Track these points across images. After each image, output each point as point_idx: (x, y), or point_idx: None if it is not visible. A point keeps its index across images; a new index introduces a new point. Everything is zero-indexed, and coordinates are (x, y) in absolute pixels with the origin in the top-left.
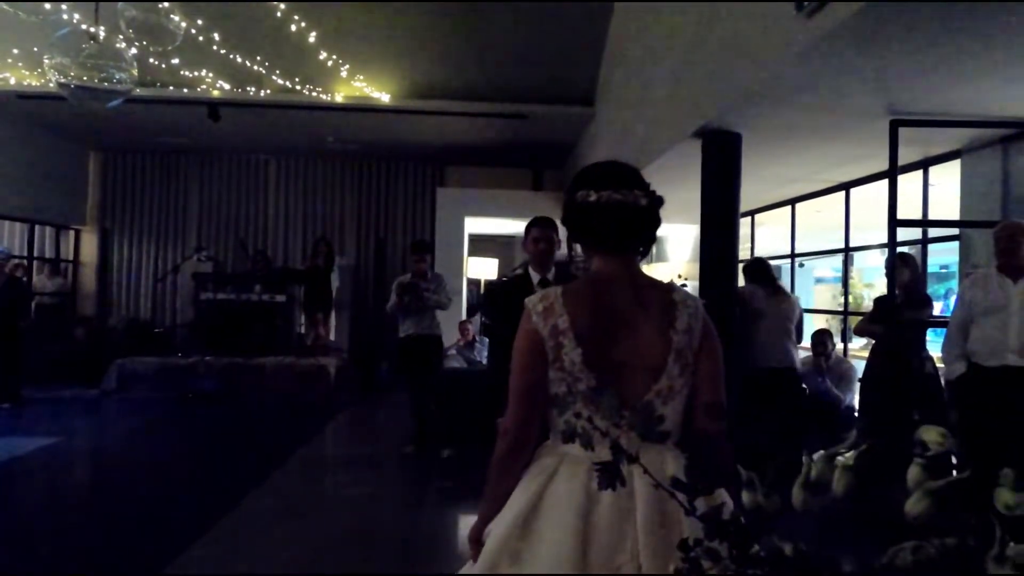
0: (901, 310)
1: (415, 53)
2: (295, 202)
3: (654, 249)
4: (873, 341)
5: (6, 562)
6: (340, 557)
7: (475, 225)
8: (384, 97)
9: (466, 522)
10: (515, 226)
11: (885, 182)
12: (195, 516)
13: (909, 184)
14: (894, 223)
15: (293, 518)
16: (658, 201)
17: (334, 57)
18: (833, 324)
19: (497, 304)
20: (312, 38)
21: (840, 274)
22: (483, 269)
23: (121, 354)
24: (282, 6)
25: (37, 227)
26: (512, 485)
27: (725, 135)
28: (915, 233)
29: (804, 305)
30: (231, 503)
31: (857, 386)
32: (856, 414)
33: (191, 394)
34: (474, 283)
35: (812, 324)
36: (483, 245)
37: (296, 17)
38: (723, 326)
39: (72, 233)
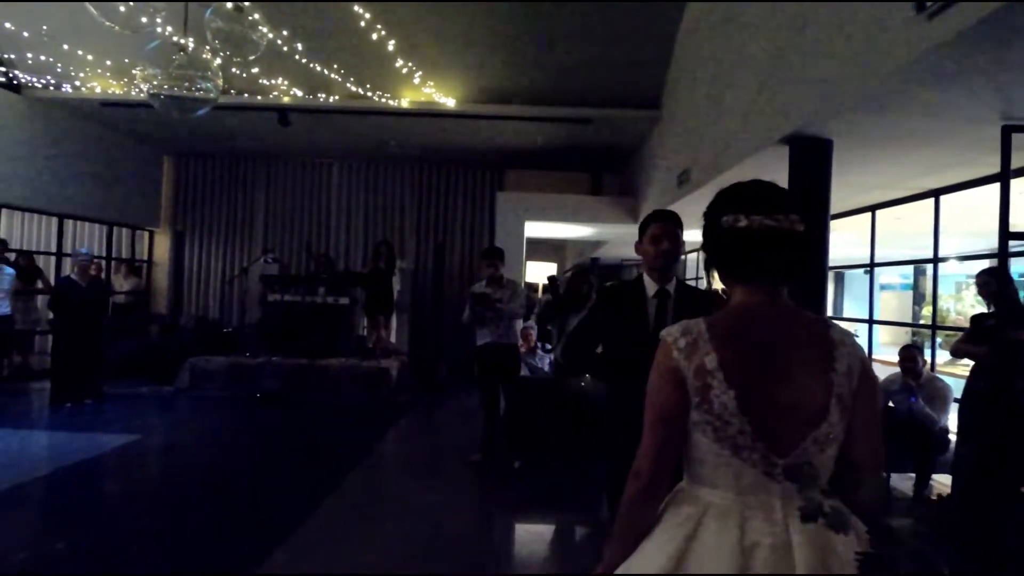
0: (1003, 329)
1: (483, 58)
2: (357, 206)
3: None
4: (972, 361)
5: (99, 553)
6: (419, 566)
7: (528, 229)
8: (450, 102)
9: (539, 535)
10: (571, 230)
11: (971, 190)
12: (276, 520)
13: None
14: (1006, 234)
15: (371, 524)
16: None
17: (407, 63)
18: (896, 334)
19: (608, 309)
20: (387, 45)
21: (910, 281)
22: (542, 273)
23: (192, 353)
24: (364, 14)
25: (115, 229)
26: (644, 530)
27: (815, 141)
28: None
29: (871, 315)
30: (310, 507)
31: (953, 406)
32: (951, 435)
33: (259, 394)
34: (532, 287)
35: (879, 335)
36: (534, 248)
37: (365, 23)
38: None
39: (147, 234)
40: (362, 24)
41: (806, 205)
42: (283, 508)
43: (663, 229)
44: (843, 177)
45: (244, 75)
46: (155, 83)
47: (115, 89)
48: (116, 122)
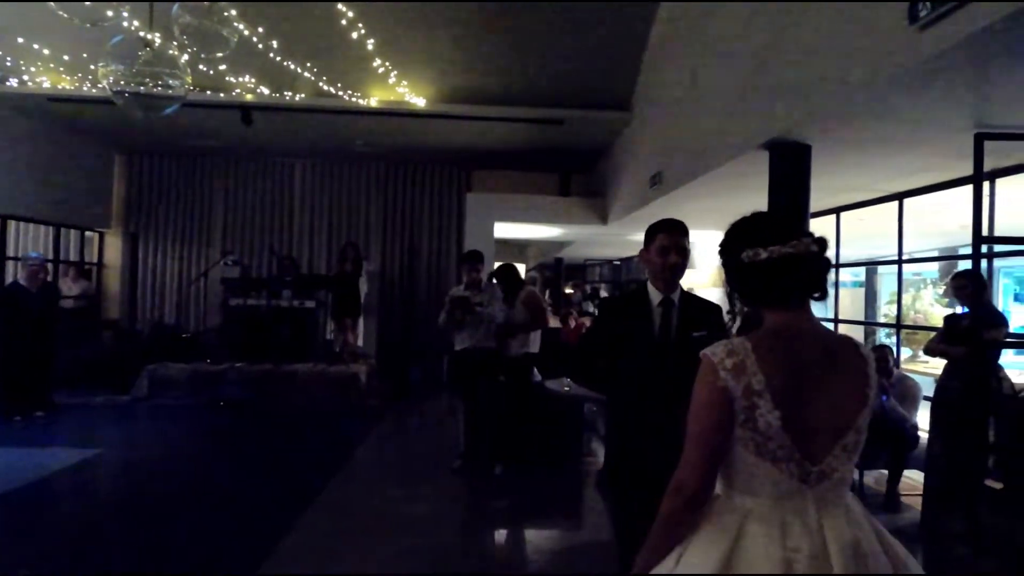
0: (975, 330)
1: (454, 58)
2: (321, 206)
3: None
4: (944, 360)
5: None
6: None
7: (496, 229)
8: (420, 101)
9: (529, 543)
10: (539, 231)
11: (937, 193)
12: (252, 536)
13: (963, 196)
14: (979, 238)
15: (355, 539)
16: (824, 244)
17: (379, 62)
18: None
19: (613, 320)
20: (359, 42)
21: (861, 279)
22: None
23: (149, 359)
24: (335, 10)
25: (62, 230)
26: (679, 540)
27: (794, 146)
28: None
29: (826, 313)
30: (288, 523)
31: (922, 404)
32: (921, 432)
33: (223, 401)
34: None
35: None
36: (500, 249)
37: (344, 22)
38: None
39: (97, 236)
40: (343, 23)
41: (787, 208)
42: (258, 525)
43: (671, 240)
44: (815, 180)
45: (211, 72)
46: (117, 79)
47: (65, 84)
48: (61, 118)
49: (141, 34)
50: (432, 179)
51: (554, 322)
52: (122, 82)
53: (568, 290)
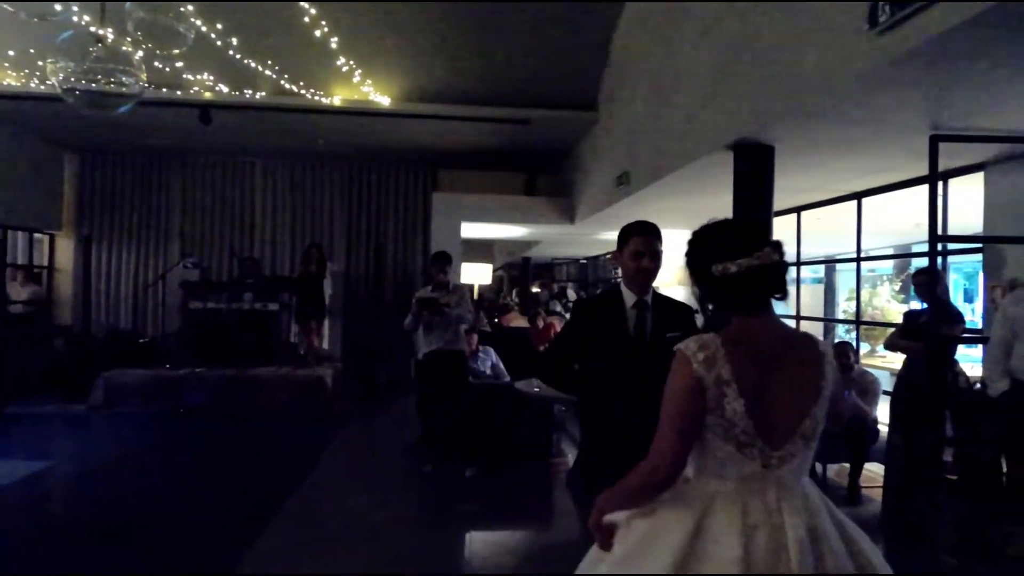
0: (933, 325)
1: (420, 57)
2: (284, 206)
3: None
4: (903, 355)
5: None
6: None
7: (463, 229)
8: (384, 100)
9: (502, 545)
10: (505, 230)
11: (893, 193)
12: (214, 552)
13: (917, 194)
14: (935, 237)
15: (322, 545)
16: (783, 249)
17: (341, 60)
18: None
19: (586, 322)
20: (322, 40)
21: (819, 275)
22: (477, 274)
23: (104, 366)
24: (297, 7)
25: (8, 232)
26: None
27: (758, 147)
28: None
29: (786, 310)
30: (253, 533)
31: (882, 399)
32: (881, 427)
33: (183, 408)
34: (467, 288)
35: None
36: (466, 248)
37: (307, 19)
38: None
39: (46, 238)
40: (306, 19)
41: (751, 208)
42: (220, 539)
43: (645, 244)
44: (777, 181)
45: (167, 69)
46: (68, 76)
47: (11, 80)
48: (10, 117)
49: (92, 30)
50: (398, 179)
51: (522, 322)
52: (73, 79)
53: (535, 289)
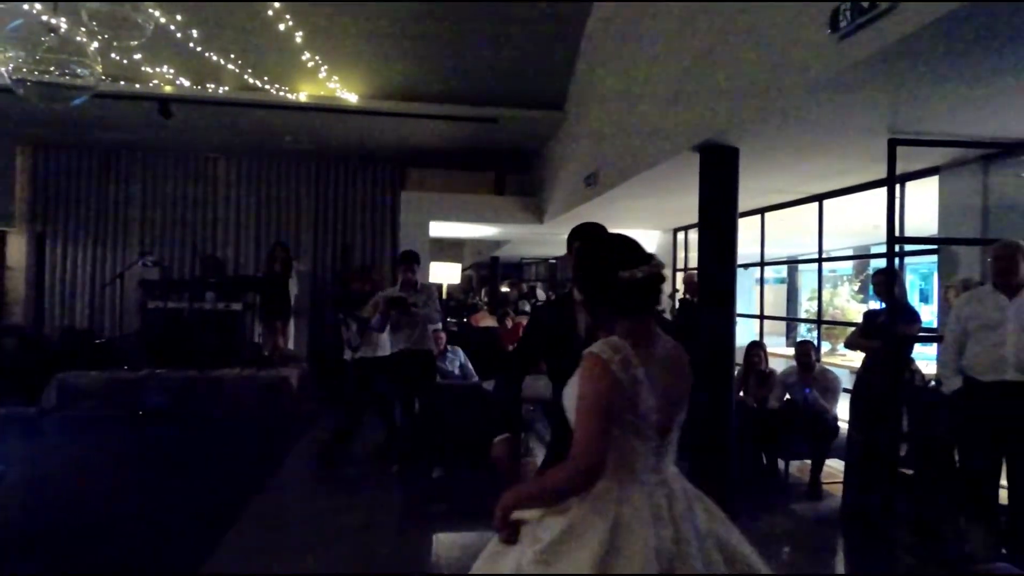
0: (892, 324)
1: (388, 54)
2: (248, 204)
3: None
4: (863, 354)
5: None
6: None
7: (431, 228)
8: (352, 97)
9: (470, 546)
10: (474, 229)
11: (853, 195)
12: (178, 554)
13: (876, 197)
14: (892, 238)
15: (288, 548)
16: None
17: (307, 56)
18: (780, 328)
19: (546, 327)
20: (287, 35)
21: (782, 275)
22: (446, 274)
23: (59, 367)
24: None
25: None
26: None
27: (723, 149)
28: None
29: (747, 308)
30: (215, 539)
31: (842, 396)
32: (842, 424)
33: (142, 411)
34: (436, 288)
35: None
36: (434, 248)
37: (271, 13)
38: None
39: None
40: (270, 13)
41: (717, 209)
42: (181, 546)
43: None
44: (742, 182)
45: (126, 62)
46: (18, 67)
47: None
48: None
49: (44, 19)
50: (365, 177)
51: (491, 321)
52: (24, 70)
53: (504, 289)
